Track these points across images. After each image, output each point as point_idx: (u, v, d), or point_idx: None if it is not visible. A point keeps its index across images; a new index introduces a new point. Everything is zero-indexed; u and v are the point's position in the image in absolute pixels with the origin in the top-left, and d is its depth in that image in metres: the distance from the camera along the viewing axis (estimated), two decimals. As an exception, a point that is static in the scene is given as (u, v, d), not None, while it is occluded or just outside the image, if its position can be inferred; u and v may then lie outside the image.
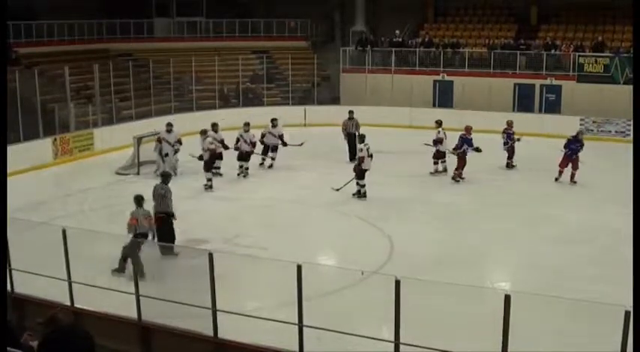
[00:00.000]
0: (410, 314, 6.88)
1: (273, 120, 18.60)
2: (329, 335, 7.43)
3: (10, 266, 8.94)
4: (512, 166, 18.40)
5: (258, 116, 24.21)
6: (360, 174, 15.26)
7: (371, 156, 15.19)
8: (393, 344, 6.97)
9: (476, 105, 24.00)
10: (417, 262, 11.03)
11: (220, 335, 7.79)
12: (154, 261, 10.64)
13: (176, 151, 17.37)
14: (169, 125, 17.51)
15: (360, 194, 15.30)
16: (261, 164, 18.60)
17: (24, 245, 9.70)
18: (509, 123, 18.46)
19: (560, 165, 16.64)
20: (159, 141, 17.34)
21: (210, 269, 7.55)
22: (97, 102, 21.76)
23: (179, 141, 17.42)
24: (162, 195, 11.53)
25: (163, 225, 11.43)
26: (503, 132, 18.34)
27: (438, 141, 17.60)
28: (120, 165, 18.21)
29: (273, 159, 18.49)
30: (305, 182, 17.04)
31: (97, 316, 8.41)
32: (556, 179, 16.65)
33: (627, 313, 5.85)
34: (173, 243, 11.16)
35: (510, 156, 18.40)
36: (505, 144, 18.24)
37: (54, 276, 8.77)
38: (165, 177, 12.05)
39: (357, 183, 15.31)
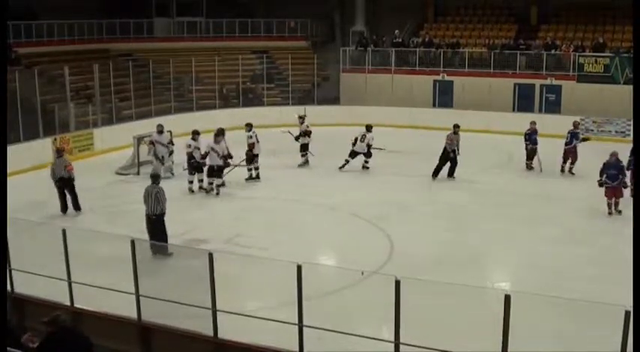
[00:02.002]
0: (410, 314, 6.87)
1: (217, 136, 15.85)
2: (329, 335, 7.43)
3: (10, 266, 8.94)
4: (532, 168, 18.08)
5: (258, 116, 24.37)
6: (250, 158, 16.82)
7: (258, 141, 16.88)
8: (393, 344, 6.97)
9: (476, 105, 24.02)
10: (417, 262, 11.03)
11: (220, 335, 7.79)
12: (154, 262, 10.67)
13: (171, 152, 17.34)
14: (160, 126, 17.34)
15: (253, 177, 16.90)
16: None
17: (24, 245, 9.71)
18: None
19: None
20: (151, 143, 17.30)
21: (210, 269, 7.55)
22: (97, 102, 21.77)
23: (171, 142, 17.40)
24: (155, 196, 11.45)
25: (157, 226, 11.42)
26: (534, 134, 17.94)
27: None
28: (120, 165, 18.21)
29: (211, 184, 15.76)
30: (305, 182, 17.04)
31: (97, 316, 8.40)
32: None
33: (627, 313, 5.85)
34: (166, 242, 11.18)
35: (531, 157, 18.01)
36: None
37: (54, 276, 8.76)
38: (155, 178, 11.89)
39: (249, 169, 16.83)
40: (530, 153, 18.00)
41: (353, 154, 18.00)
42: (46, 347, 5.87)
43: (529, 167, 18.14)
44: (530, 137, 17.92)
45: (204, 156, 15.68)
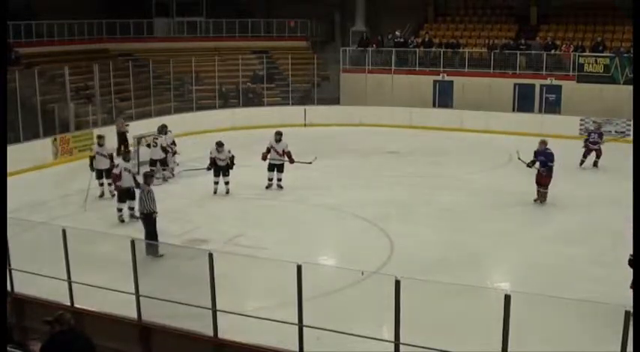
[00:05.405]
0: (410, 314, 6.87)
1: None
2: (329, 334, 7.43)
3: (10, 266, 8.94)
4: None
5: (258, 116, 24.43)
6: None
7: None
8: (393, 344, 6.97)
9: (476, 105, 24.01)
10: (417, 262, 11.02)
11: (220, 335, 7.79)
12: (154, 262, 10.68)
13: (174, 153, 17.32)
14: (164, 127, 17.36)
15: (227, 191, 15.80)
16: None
17: (24, 245, 9.71)
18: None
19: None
20: (155, 144, 17.29)
21: (210, 269, 7.55)
22: (97, 102, 21.77)
23: (174, 143, 17.36)
24: (145, 195, 11.48)
25: (148, 225, 11.43)
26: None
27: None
28: (120, 165, 18.20)
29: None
30: (305, 182, 17.03)
31: (97, 316, 8.40)
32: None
33: (627, 313, 5.85)
34: (156, 241, 11.23)
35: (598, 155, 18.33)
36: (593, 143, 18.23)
37: (54, 276, 8.77)
38: (146, 178, 11.96)
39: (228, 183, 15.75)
40: (598, 153, 18.19)
41: None
42: (51, 346, 5.85)
43: (596, 165, 18.26)
44: (601, 136, 18.32)
45: (117, 177, 13.69)
